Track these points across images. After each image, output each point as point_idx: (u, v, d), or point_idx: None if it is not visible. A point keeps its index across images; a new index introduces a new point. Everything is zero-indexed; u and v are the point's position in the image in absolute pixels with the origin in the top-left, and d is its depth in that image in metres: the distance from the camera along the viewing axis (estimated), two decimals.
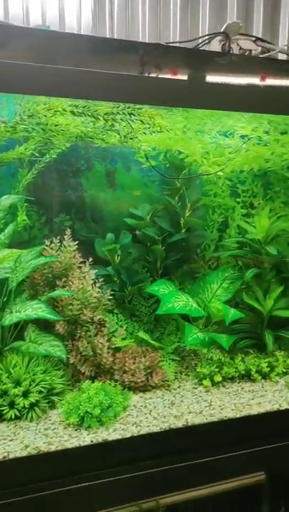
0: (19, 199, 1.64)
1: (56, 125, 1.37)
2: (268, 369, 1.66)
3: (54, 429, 1.37)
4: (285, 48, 2.51)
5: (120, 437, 1.34)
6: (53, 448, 1.28)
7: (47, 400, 1.46)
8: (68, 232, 1.69)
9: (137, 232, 1.85)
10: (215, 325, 1.79)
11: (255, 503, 2.00)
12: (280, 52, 2.22)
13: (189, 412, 1.47)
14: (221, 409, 1.49)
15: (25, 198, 1.75)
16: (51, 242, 1.68)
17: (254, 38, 2.22)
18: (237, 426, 1.44)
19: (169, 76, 1.37)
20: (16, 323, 1.52)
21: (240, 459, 1.45)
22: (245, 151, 1.62)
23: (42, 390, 1.43)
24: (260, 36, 2.29)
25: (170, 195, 1.85)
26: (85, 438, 1.33)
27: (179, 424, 1.41)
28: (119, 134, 1.44)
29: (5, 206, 1.59)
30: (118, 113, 1.24)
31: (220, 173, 1.68)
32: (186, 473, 1.37)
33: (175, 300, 1.64)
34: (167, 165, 1.86)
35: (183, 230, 1.84)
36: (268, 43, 2.22)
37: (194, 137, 1.68)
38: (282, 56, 2.24)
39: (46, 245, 1.67)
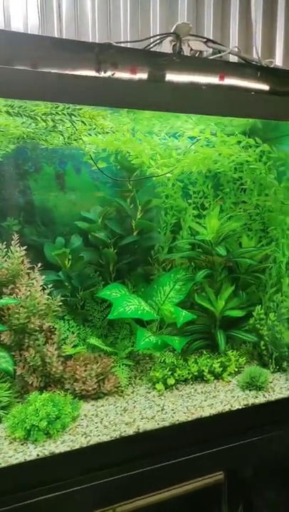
0: None
1: None
2: (221, 369, 1.67)
3: None
4: (236, 49, 2.55)
5: (68, 449, 1.30)
6: None
7: None
8: (15, 237, 1.63)
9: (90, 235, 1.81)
10: (169, 327, 1.78)
11: (216, 502, 2.01)
12: (230, 53, 2.24)
13: (142, 418, 1.44)
14: (174, 412, 1.48)
15: None
16: None
17: (205, 40, 2.23)
18: (189, 429, 1.44)
19: (124, 75, 1.33)
20: None
21: (195, 461, 1.45)
22: (193, 153, 1.62)
23: None
24: (210, 38, 2.31)
25: (121, 198, 1.82)
26: (32, 452, 1.27)
27: (130, 431, 1.38)
28: (62, 135, 1.39)
29: None
30: (57, 113, 1.20)
31: (169, 175, 1.66)
32: (140, 479, 1.34)
33: (126, 304, 1.61)
34: (118, 167, 1.83)
35: (135, 233, 1.81)
36: (219, 44, 2.24)
37: (143, 139, 1.66)
38: (233, 58, 2.27)
39: None
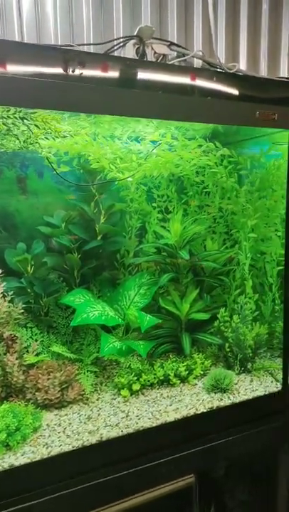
0: None
1: None
2: (186, 372, 1.67)
3: None
4: (200, 53, 2.57)
5: (28, 461, 1.26)
6: None
7: None
8: None
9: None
10: (135, 332, 1.77)
11: (188, 505, 2.01)
12: (194, 57, 2.26)
13: (105, 426, 1.43)
14: (138, 419, 1.47)
15: None
16: None
17: (168, 43, 2.24)
18: (155, 435, 1.43)
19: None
20: None
21: (163, 466, 1.44)
22: (155, 157, 1.62)
23: None
24: (174, 41, 2.32)
25: (85, 202, 1.80)
26: None
27: (93, 440, 1.36)
28: (18, 139, 1.36)
29: None
30: (9, 117, 1.17)
31: (130, 179, 1.66)
32: (106, 488, 1.32)
33: (90, 310, 1.59)
34: (81, 171, 1.81)
35: (99, 237, 1.79)
36: (182, 48, 2.25)
37: (104, 142, 1.65)
38: (197, 61, 2.29)
39: None
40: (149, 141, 1.68)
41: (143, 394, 1.62)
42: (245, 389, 1.67)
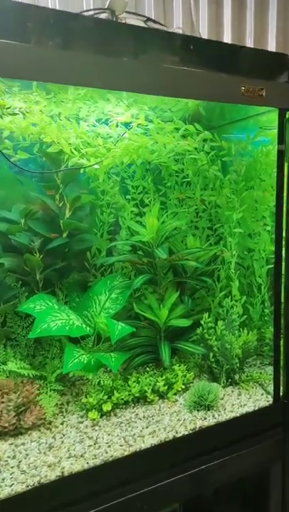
0: None
1: None
2: (166, 387, 1.46)
3: None
4: (180, 30, 2.34)
5: None
6: None
7: None
8: None
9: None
10: (108, 342, 1.55)
11: None
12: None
13: (69, 457, 1.21)
14: (108, 446, 1.25)
15: None
16: None
17: (144, 18, 2.01)
18: (127, 465, 1.21)
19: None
20: None
21: (138, 500, 1.23)
22: (126, 141, 1.40)
23: None
24: (151, 17, 2.09)
25: (47, 194, 1.57)
26: None
27: (53, 475, 1.14)
28: None
29: None
30: None
31: (96, 167, 1.43)
32: None
33: (51, 319, 1.36)
34: (43, 158, 1.58)
35: (64, 235, 1.56)
36: (160, 24, 2.02)
37: (67, 124, 1.41)
38: None
39: None
40: (120, 124, 1.45)
41: (115, 415, 1.40)
42: (233, 404, 1.47)
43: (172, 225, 1.54)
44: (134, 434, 1.30)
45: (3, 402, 1.29)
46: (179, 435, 1.31)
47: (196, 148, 1.45)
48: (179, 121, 1.43)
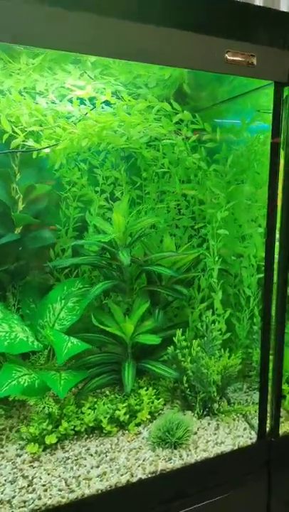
0: None
1: None
2: (126, 416, 1.22)
3: None
4: None
5: None
6: None
7: None
8: None
9: None
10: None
11: None
12: None
13: None
14: (44, 490, 1.02)
15: None
16: None
17: None
18: None
19: None
20: None
21: None
22: (80, 121, 1.16)
23: None
24: None
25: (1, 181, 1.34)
26: None
27: None
28: None
29: None
30: None
31: (47, 150, 1.20)
32: None
33: None
34: None
35: (17, 231, 1.34)
36: None
37: (18, 98, 1.19)
38: None
39: None
40: (84, 101, 1.22)
41: (63, 447, 1.17)
42: (207, 441, 1.22)
43: (143, 223, 1.30)
44: (79, 476, 1.07)
45: None
46: (135, 479, 1.07)
47: (171, 132, 1.20)
48: (152, 97, 1.18)
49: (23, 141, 1.17)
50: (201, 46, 1.01)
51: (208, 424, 1.29)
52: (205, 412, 1.31)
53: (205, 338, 1.30)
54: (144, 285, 1.38)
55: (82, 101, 1.25)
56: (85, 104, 1.25)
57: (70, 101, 1.23)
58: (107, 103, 1.25)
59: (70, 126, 1.17)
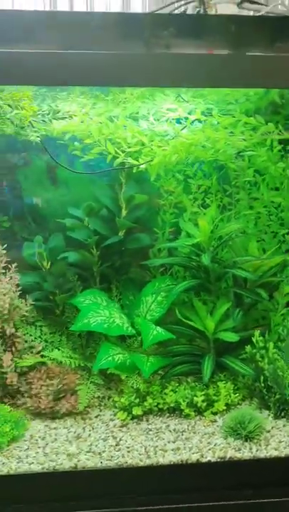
0: None
1: None
2: (204, 404, 1.35)
3: None
4: (281, 7, 2.08)
5: None
6: None
7: None
8: None
9: None
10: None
11: None
12: (271, 13, 1.82)
13: (88, 451, 1.23)
14: (128, 451, 1.24)
15: None
16: None
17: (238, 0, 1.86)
18: (136, 475, 1.18)
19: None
20: None
21: None
22: (174, 139, 1.32)
23: None
24: None
25: (109, 192, 1.61)
26: None
27: (67, 465, 1.19)
28: (12, 122, 1.23)
29: None
30: None
31: (143, 166, 1.39)
32: None
33: (92, 315, 1.40)
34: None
35: (120, 233, 1.58)
36: (257, 3, 1.82)
37: (125, 124, 1.41)
38: None
39: None
40: (177, 120, 1.38)
41: (147, 421, 1.37)
42: (280, 441, 1.27)
43: (229, 229, 1.40)
44: (156, 446, 1.25)
45: (45, 386, 1.39)
46: (204, 460, 1.20)
47: (256, 144, 1.27)
48: (238, 113, 1.28)
49: (125, 159, 1.39)
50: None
51: (284, 425, 1.33)
52: (281, 414, 1.35)
53: (282, 342, 1.33)
54: (227, 286, 1.48)
55: (177, 120, 1.42)
56: (179, 123, 1.41)
57: (166, 121, 1.41)
58: (199, 120, 1.39)
59: (163, 143, 1.34)
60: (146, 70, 1.09)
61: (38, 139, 1.32)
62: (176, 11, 1.75)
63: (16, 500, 1.12)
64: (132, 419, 1.36)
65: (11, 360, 1.41)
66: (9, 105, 1.10)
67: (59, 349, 1.48)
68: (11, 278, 1.50)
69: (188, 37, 1.23)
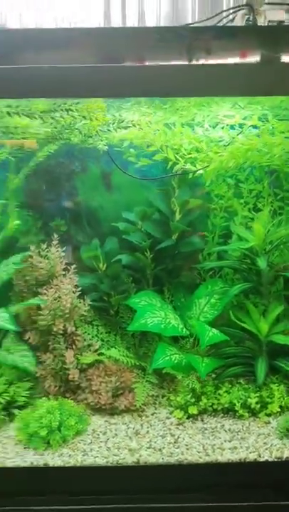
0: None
1: (16, 127, 1.31)
2: (258, 405, 1.38)
3: (4, 443, 1.34)
4: None
5: (62, 464, 1.24)
6: None
7: (7, 412, 1.43)
8: (55, 237, 1.63)
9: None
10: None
11: None
12: None
13: (148, 447, 1.29)
14: (187, 449, 1.29)
15: (17, 203, 1.75)
16: (36, 247, 1.63)
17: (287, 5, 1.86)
18: (196, 472, 1.23)
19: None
20: None
21: None
22: (230, 144, 1.35)
23: (1, 401, 1.41)
24: None
25: (163, 197, 1.66)
26: (27, 459, 1.26)
27: (129, 460, 1.25)
28: (80, 132, 1.31)
29: None
30: (55, 110, 1.12)
31: (201, 172, 1.43)
32: None
33: (149, 315, 1.46)
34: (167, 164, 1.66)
35: (174, 237, 1.63)
36: None
37: (181, 131, 1.46)
38: None
39: (31, 251, 1.63)
40: (233, 126, 1.42)
41: (202, 420, 1.41)
42: None
43: (282, 233, 1.41)
44: (214, 444, 1.29)
45: (102, 382, 1.46)
46: (262, 459, 1.24)
47: None
48: None
49: (183, 165, 1.43)
50: None
51: None
52: None
53: None
54: (277, 289, 1.49)
55: (232, 126, 1.45)
56: (233, 129, 1.44)
57: (222, 128, 1.44)
58: (254, 126, 1.42)
59: (220, 149, 1.38)
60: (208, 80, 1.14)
61: (106, 147, 1.39)
62: (224, 20, 1.79)
63: (86, 492, 1.20)
64: (187, 418, 1.41)
65: (74, 356, 1.49)
66: (83, 116, 1.17)
67: (115, 348, 1.55)
68: (70, 279, 1.59)
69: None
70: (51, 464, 1.24)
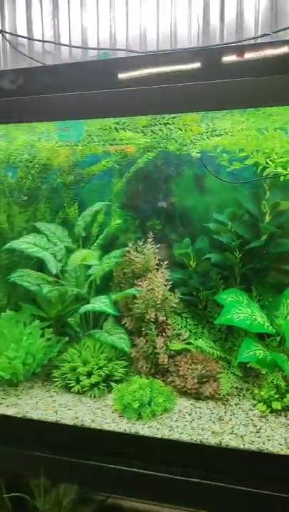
0: (104, 205, 1.87)
1: (122, 139, 1.51)
2: None
3: (103, 410, 1.55)
4: None
5: (150, 435, 1.40)
6: (92, 425, 1.46)
7: (107, 384, 1.64)
8: (150, 235, 1.82)
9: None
10: None
11: None
12: None
13: (231, 433, 1.38)
14: (268, 440, 1.34)
15: (119, 204, 1.98)
16: (134, 244, 1.84)
17: None
18: (274, 463, 1.27)
19: None
20: (97, 312, 1.76)
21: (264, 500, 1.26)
22: None
23: (102, 374, 1.63)
24: None
25: (253, 199, 1.72)
26: (122, 426, 1.45)
27: (212, 441, 1.35)
28: (176, 141, 1.45)
29: (92, 211, 1.85)
30: (155, 124, 1.28)
31: None
32: (198, 493, 1.31)
33: (236, 311, 1.54)
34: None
35: (263, 238, 1.68)
36: None
37: (273, 135, 1.52)
38: None
39: (129, 247, 1.84)
40: None
41: (286, 416, 1.45)
42: None
43: None
44: None
45: (189, 369, 1.59)
46: None
47: None
48: None
49: (274, 168, 1.49)
50: None
51: None
52: None
53: None
54: None
55: None
56: None
57: None
58: None
59: None
60: None
61: (198, 154, 1.52)
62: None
63: (168, 462, 1.34)
64: (270, 412, 1.45)
65: (163, 343, 1.65)
66: (180, 128, 1.32)
67: (203, 339, 1.66)
68: (162, 273, 1.75)
69: None
70: (141, 433, 1.41)
